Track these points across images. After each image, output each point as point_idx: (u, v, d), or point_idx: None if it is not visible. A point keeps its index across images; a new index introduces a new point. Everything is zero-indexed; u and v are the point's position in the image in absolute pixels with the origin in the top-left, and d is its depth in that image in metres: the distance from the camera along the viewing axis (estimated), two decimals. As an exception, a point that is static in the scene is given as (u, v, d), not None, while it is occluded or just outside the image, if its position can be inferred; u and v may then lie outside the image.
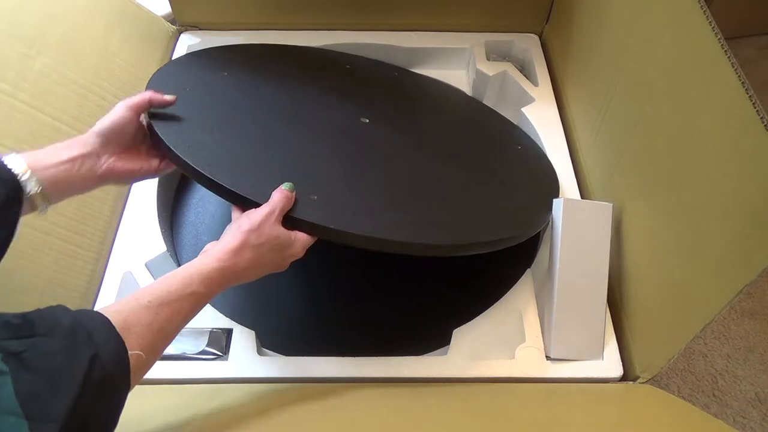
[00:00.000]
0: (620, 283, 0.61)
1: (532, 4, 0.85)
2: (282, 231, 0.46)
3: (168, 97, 0.52)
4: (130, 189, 0.70)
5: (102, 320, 0.35)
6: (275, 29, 0.84)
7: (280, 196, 0.47)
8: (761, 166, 0.39)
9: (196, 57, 0.67)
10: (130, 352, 0.35)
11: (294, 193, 0.48)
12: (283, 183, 0.48)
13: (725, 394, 0.89)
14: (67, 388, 0.30)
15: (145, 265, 0.63)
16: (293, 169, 0.53)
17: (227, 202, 0.72)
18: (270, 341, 0.60)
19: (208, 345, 0.57)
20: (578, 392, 0.56)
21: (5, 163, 0.42)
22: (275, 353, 0.59)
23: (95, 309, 0.37)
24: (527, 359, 0.57)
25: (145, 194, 0.68)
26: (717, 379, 0.90)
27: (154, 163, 0.52)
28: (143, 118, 0.51)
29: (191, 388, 0.55)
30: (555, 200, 0.62)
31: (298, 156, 0.56)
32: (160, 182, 0.70)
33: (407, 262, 0.69)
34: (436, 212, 0.57)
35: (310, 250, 0.71)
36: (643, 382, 0.56)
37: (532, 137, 0.77)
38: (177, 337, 0.57)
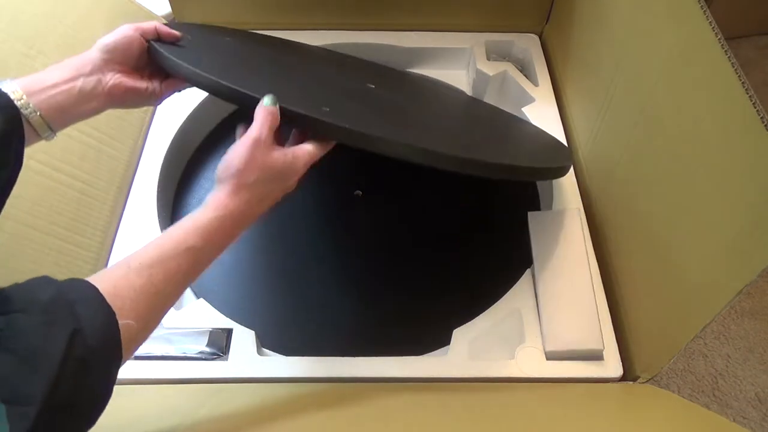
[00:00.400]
0: (620, 283, 0.61)
1: (532, 4, 0.85)
2: (276, 157, 0.42)
3: (175, 32, 0.50)
4: (130, 189, 0.70)
5: (89, 289, 0.33)
6: (275, 29, 0.84)
7: (262, 118, 0.42)
8: (761, 166, 0.39)
9: (197, 24, 0.67)
10: (121, 322, 0.32)
11: (278, 107, 0.43)
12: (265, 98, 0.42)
13: (725, 394, 0.89)
14: (44, 368, 0.28)
15: (145, 265, 0.63)
16: (304, 89, 0.51)
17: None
18: (270, 341, 0.60)
19: (208, 345, 0.57)
20: (578, 392, 0.56)
21: (1, 88, 0.40)
22: (275, 353, 0.59)
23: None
24: (527, 359, 0.57)
25: (145, 194, 0.68)
26: (717, 380, 0.90)
27: (157, 84, 0.50)
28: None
29: (191, 387, 0.55)
30: (528, 215, 0.67)
31: (308, 86, 0.55)
32: (160, 182, 0.70)
33: (408, 262, 0.69)
34: (454, 135, 0.56)
35: (310, 252, 0.71)
36: (643, 382, 0.56)
37: (532, 137, 0.77)
38: (177, 337, 0.58)
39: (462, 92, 0.85)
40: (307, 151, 0.45)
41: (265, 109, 0.43)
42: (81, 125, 0.65)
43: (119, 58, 0.47)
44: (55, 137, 0.44)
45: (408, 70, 0.87)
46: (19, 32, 0.61)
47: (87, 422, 0.31)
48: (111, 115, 0.70)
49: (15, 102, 0.40)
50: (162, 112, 0.76)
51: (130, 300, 0.34)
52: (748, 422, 0.86)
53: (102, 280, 0.34)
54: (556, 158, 0.64)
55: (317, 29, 0.85)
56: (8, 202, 0.55)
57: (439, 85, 0.85)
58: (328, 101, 0.51)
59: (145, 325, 0.36)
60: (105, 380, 0.32)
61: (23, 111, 0.40)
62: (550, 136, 0.73)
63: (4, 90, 0.40)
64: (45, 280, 0.32)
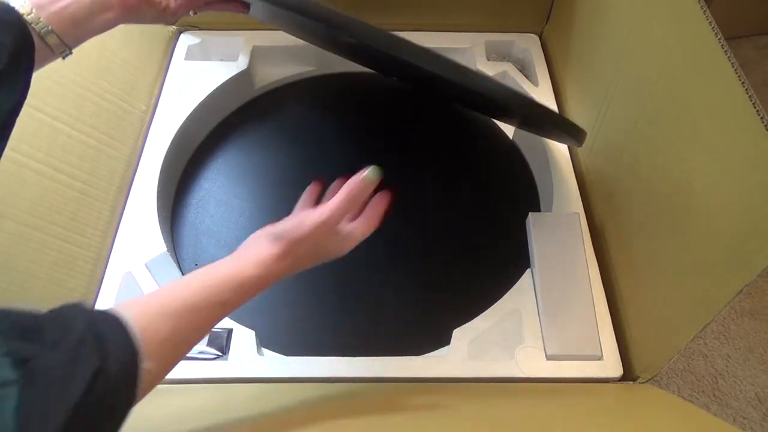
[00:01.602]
0: (620, 283, 0.61)
1: (532, 4, 0.85)
2: (331, 241, 0.43)
3: None
4: (130, 189, 0.70)
5: (119, 327, 0.32)
6: (276, 29, 0.84)
7: (342, 200, 0.41)
8: (761, 166, 0.39)
9: None
10: (142, 364, 0.32)
11: (377, 180, 0.42)
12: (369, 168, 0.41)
13: (725, 394, 0.89)
14: (63, 405, 0.27)
15: (145, 265, 0.63)
16: None
17: (225, 205, 0.73)
18: (270, 341, 0.60)
19: (208, 345, 0.57)
20: (578, 392, 0.56)
21: (10, 3, 0.38)
22: (275, 353, 0.59)
23: (117, 305, 0.34)
24: (527, 359, 0.57)
25: (145, 194, 0.68)
26: (717, 380, 0.90)
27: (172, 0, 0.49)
28: None
29: (191, 387, 0.55)
30: (528, 215, 0.66)
31: None
32: (160, 181, 0.70)
33: (407, 261, 0.69)
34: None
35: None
36: (643, 382, 0.56)
37: (532, 137, 0.77)
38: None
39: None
40: (356, 236, 0.45)
41: (352, 187, 0.42)
42: (81, 125, 0.65)
43: None
44: (71, 55, 0.42)
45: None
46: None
47: None
48: (111, 114, 0.70)
49: (25, 17, 0.38)
50: (162, 112, 0.76)
51: (154, 344, 0.34)
52: (748, 422, 0.86)
53: (134, 316, 0.33)
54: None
55: (317, 29, 0.85)
56: (8, 201, 0.55)
57: None
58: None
59: (164, 368, 0.36)
60: (115, 421, 0.31)
61: (34, 26, 0.39)
62: None
63: (13, 5, 0.39)
64: (78, 311, 0.32)
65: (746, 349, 0.93)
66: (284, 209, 0.78)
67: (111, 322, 0.32)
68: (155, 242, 0.64)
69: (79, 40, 0.43)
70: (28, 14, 0.39)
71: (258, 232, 0.44)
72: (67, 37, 0.41)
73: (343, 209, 0.42)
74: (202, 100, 0.77)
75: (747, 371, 0.91)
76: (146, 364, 0.32)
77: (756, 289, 0.99)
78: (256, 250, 0.41)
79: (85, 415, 0.28)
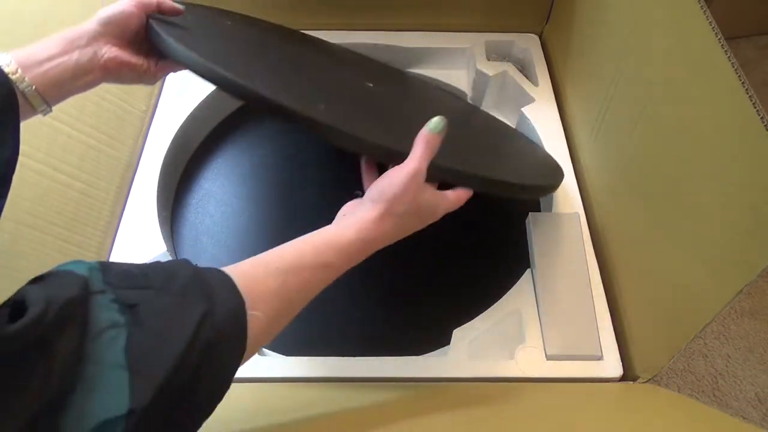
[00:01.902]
0: (620, 283, 0.61)
1: (532, 4, 0.85)
2: (426, 195, 0.43)
3: (178, 6, 0.49)
4: (130, 189, 0.70)
5: (224, 277, 0.33)
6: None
7: (422, 149, 0.42)
8: (761, 166, 0.39)
9: (202, 6, 0.64)
10: (249, 312, 0.32)
11: (442, 133, 0.43)
12: (432, 122, 0.42)
13: (725, 394, 0.89)
14: (173, 346, 0.28)
15: (145, 265, 0.63)
16: (302, 84, 0.50)
17: (225, 205, 0.73)
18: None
19: (208, 345, 0.57)
20: (578, 392, 0.56)
21: None
22: (275, 353, 0.59)
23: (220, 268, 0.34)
24: (527, 359, 0.57)
25: (145, 195, 0.68)
26: (717, 380, 0.90)
27: (153, 62, 0.50)
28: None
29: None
30: (528, 215, 0.66)
31: (305, 81, 0.54)
32: (160, 182, 0.70)
33: (407, 261, 0.69)
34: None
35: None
36: (643, 382, 0.56)
37: (532, 137, 0.77)
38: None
39: (460, 98, 0.85)
40: (450, 199, 0.46)
41: (426, 136, 0.43)
42: (81, 125, 0.65)
43: (116, 31, 0.46)
44: (51, 112, 0.43)
45: (408, 70, 0.87)
46: (19, 32, 0.61)
47: (201, 411, 0.30)
48: (111, 114, 0.70)
49: (10, 76, 0.40)
50: (162, 112, 0.76)
51: (262, 300, 0.34)
52: (748, 422, 0.86)
53: (238, 274, 0.34)
54: (545, 175, 0.63)
55: (317, 29, 0.85)
56: (8, 201, 0.55)
57: (438, 90, 0.85)
58: (325, 98, 0.51)
59: (272, 326, 0.36)
60: (226, 367, 0.31)
61: (18, 85, 0.40)
62: (544, 152, 0.73)
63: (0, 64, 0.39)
64: (184, 262, 0.33)
65: (746, 349, 0.93)
66: (284, 209, 0.78)
67: (216, 274, 0.33)
68: (155, 242, 0.64)
69: (60, 99, 0.44)
70: (14, 73, 0.40)
71: (366, 193, 0.44)
72: (49, 96, 0.42)
73: (427, 156, 0.43)
74: (202, 100, 0.77)
75: (747, 371, 0.91)
76: (254, 313, 0.33)
77: (756, 289, 0.99)
78: (357, 215, 0.42)
79: (193, 358, 0.29)
